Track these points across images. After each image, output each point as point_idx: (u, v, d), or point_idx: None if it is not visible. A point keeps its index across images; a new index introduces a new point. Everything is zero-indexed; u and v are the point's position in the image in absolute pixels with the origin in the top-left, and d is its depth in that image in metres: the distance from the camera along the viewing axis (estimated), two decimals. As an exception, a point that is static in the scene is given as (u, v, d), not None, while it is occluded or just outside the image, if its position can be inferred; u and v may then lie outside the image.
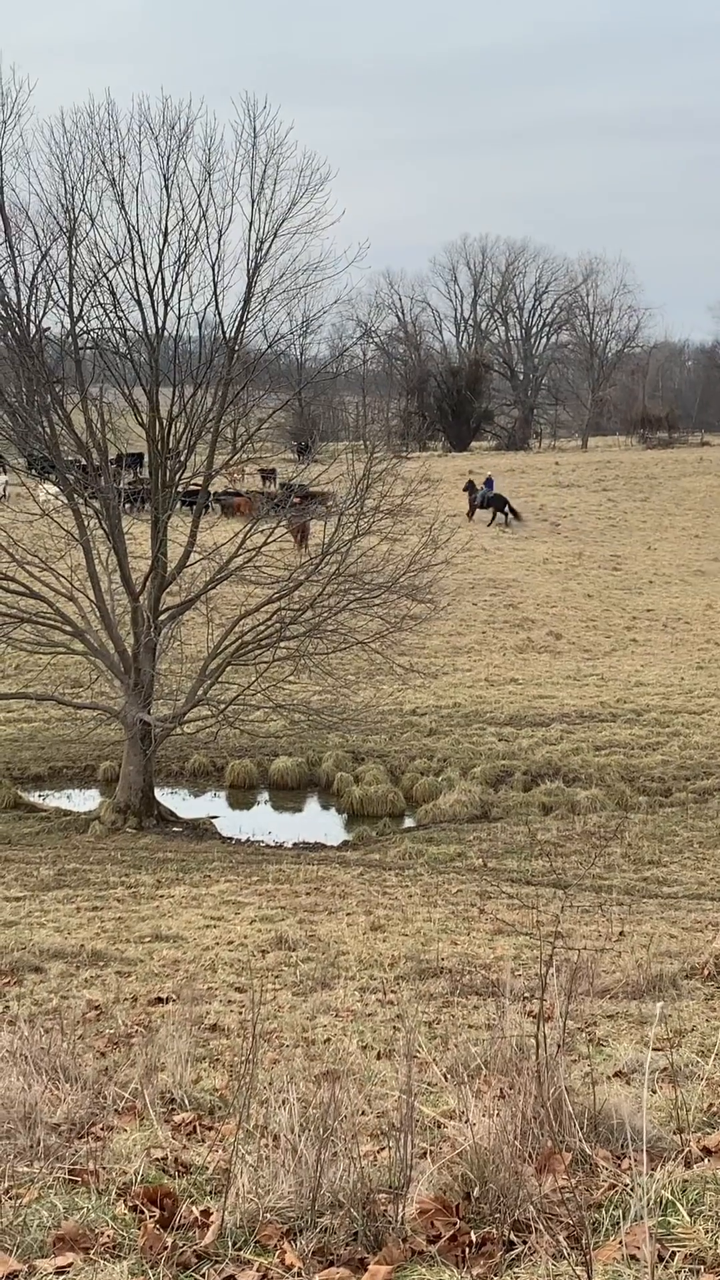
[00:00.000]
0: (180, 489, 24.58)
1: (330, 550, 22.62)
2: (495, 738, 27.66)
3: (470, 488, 55.14)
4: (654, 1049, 6.74)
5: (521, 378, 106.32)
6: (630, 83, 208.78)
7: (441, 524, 24.27)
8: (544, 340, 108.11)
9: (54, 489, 25.19)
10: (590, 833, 21.93)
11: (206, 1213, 3.85)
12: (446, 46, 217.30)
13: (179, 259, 22.66)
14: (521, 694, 30.79)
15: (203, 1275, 3.53)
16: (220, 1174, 4.25)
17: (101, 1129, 4.95)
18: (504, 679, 32.22)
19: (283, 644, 23.14)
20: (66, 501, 23.41)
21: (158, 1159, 4.47)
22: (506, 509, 53.57)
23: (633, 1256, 3.31)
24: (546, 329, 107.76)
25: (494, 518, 53.30)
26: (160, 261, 22.58)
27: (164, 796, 25.03)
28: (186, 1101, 5.91)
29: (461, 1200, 3.78)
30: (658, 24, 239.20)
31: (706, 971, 10.35)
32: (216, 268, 22.75)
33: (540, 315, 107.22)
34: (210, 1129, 5.34)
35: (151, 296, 22.72)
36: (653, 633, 37.16)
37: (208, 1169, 4.41)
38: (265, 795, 26.60)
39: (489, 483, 55.83)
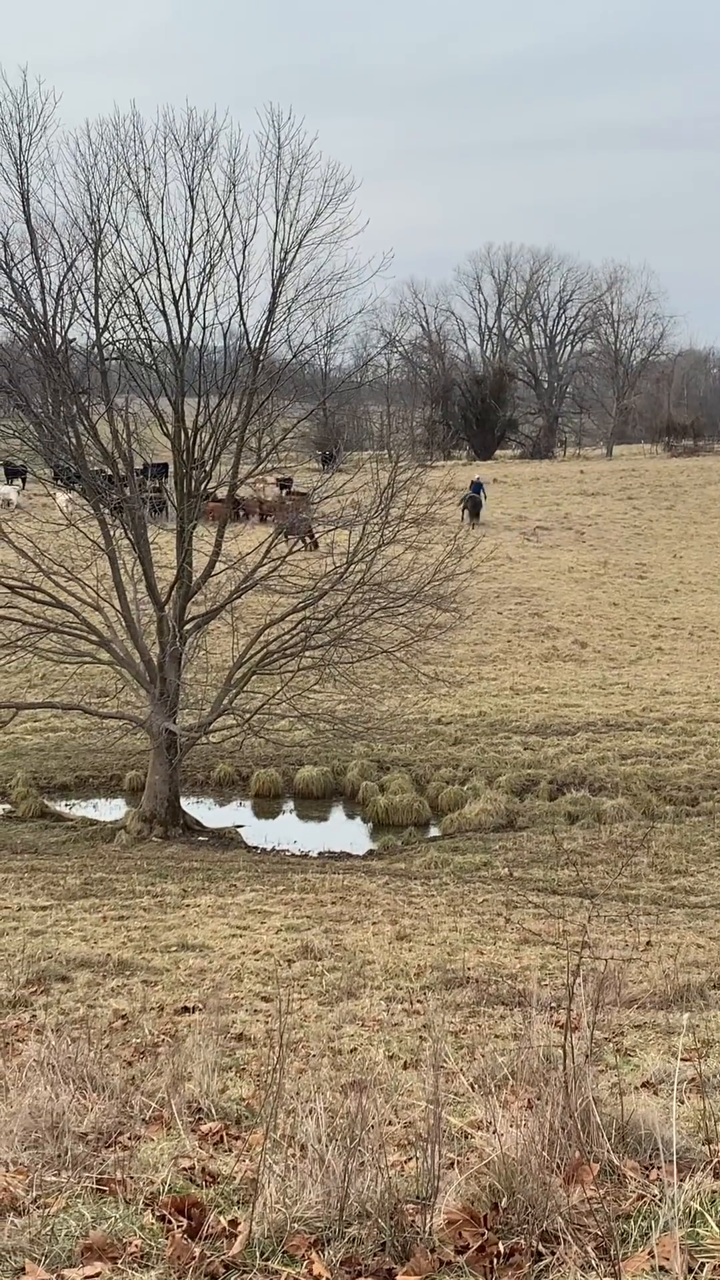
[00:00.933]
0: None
1: (355, 559, 22.63)
2: (521, 747, 27.60)
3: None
4: (682, 1059, 6.71)
5: (546, 386, 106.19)
6: (656, 91, 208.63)
7: (466, 532, 24.25)
8: (568, 348, 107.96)
9: (67, 496, 25.27)
10: (616, 842, 21.85)
11: (234, 1222, 3.85)
12: (472, 55, 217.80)
13: (204, 270, 22.78)
14: (547, 703, 30.72)
15: (230, 1285, 3.52)
16: (248, 1184, 4.26)
17: (129, 1138, 4.96)
18: (529, 688, 32.15)
19: (308, 653, 23.17)
20: (91, 511, 23.49)
21: (185, 1168, 4.47)
22: (477, 510, 52.85)
23: (662, 1268, 3.30)
24: (571, 337, 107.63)
25: (471, 522, 52.42)
26: (185, 272, 22.70)
27: (189, 806, 25.06)
28: (213, 1111, 5.91)
29: (489, 1211, 3.77)
30: (683, 32, 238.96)
31: (734, 981, 10.29)
32: (241, 278, 22.86)
33: (564, 323, 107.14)
34: (237, 1139, 5.34)
35: (177, 307, 22.84)
36: (679, 641, 37.02)
37: (235, 1179, 4.42)
38: (290, 804, 26.60)
39: (476, 486, 55.06)
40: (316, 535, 31.70)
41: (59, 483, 27.43)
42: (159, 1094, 5.72)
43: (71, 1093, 5.26)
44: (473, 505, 52.39)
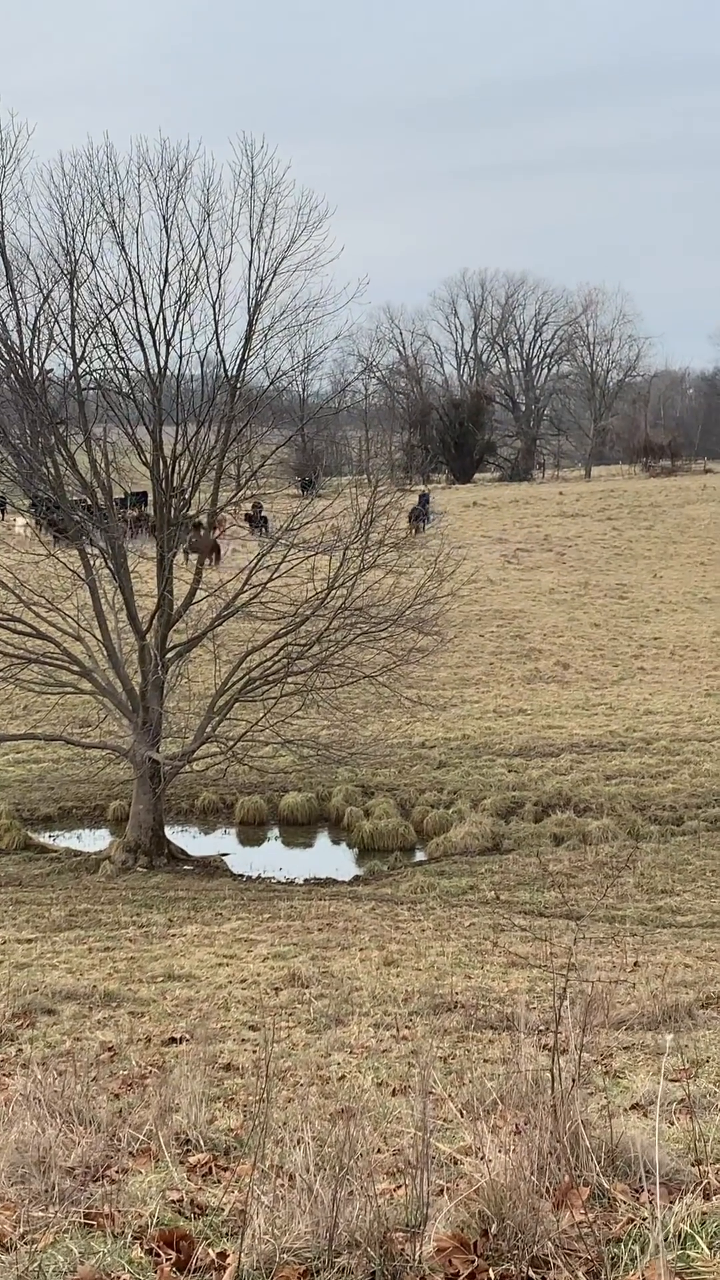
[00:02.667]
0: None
1: (336, 584, 22.66)
2: (505, 769, 27.61)
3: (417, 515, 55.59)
4: (671, 1080, 6.70)
5: (523, 409, 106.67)
6: (627, 113, 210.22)
7: (446, 556, 24.31)
8: (545, 371, 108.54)
9: (25, 520, 25.23)
10: (602, 863, 21.86)
11: (223, 1255, 3.82)
12: (444, 82, 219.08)
13: (180, 299, 22.84)
14: (530, 724, 30.75)
15: (220, 1318, 3.50)
16: (236, 1215, 4.23)
17: (116, 1171, 4.92)
18: (512, 710, 32.17)
19: (290, 679, 23.16)
20: (55, 535, 23.46)
21: (173, 1201, 4.44)
22: (422, 520, 53.93)
23: (653, 1291, 3.29)
24: (547, 360, 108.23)
25: (415, 528, 53.18)
26: (161, 302, 22.75)
27: (174, 835, 24.98)
28: (201, 1142, 5.87)
29: (479, 1237, 3.75)
30: (653, 56, 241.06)
31: (722, 1001, 10.29)
32: (217, 306, 22.92)
33: (541, 346, 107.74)
34: (226, 1170, 5.31)
35: (153, 336, 22.88)
36: (660, 661, 37.11)
37: (224, 1210, 4.38)
38: (275, 831, 26.54)
39: (424, 498, 57.06)
40: (224, 552, 31.80)
41: (33, 511, 27.39)
42: (146, 1126, 5.68)
43: (58, 1127, 5.22)
44: (419, 514, 53.55)
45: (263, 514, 35.20)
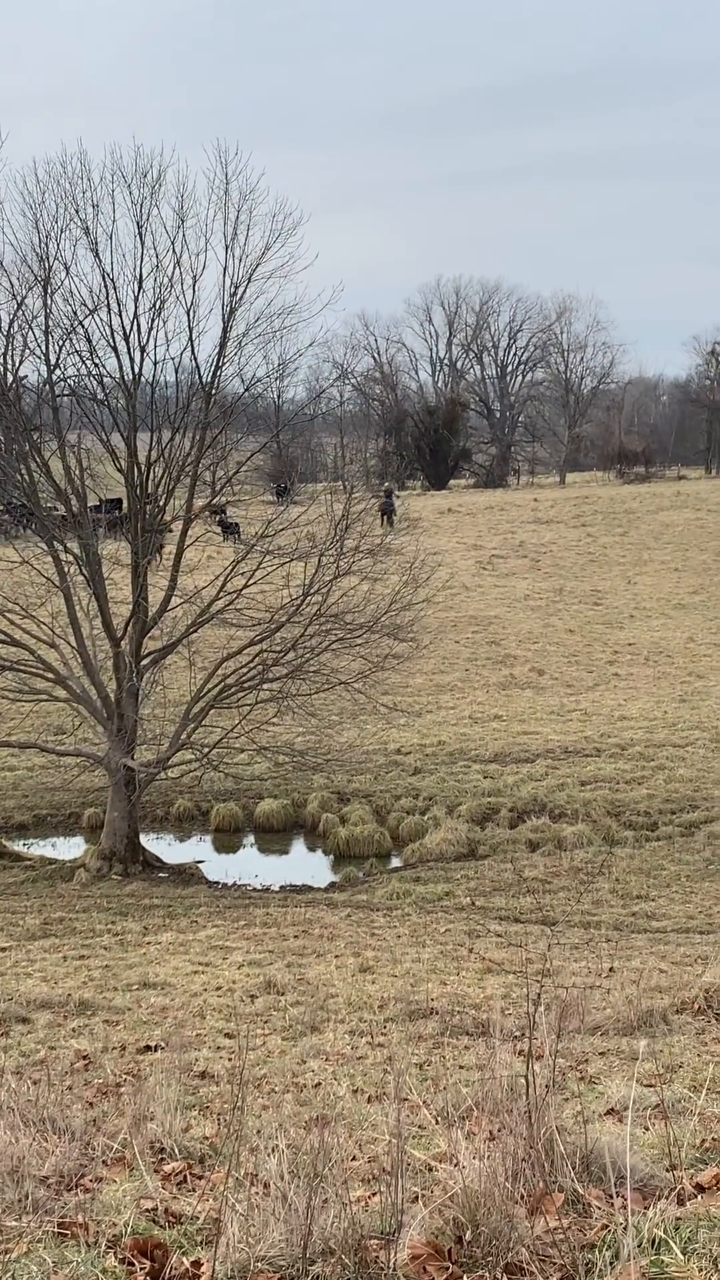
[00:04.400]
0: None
1: (311, 591, 22.65)
2: (480, 775, 27.63)
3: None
4: (645, 1085, 6.71)
5: (498, 416, 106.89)
6: (600, 121, 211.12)
7: (422, 562, 24.34)
8: (520, 378, 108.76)
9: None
10: (577, 868, 21.90)
11: (197, 1264, 3.81)
12: (418, 90, 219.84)
13: (154, 305, 22.81)
14: (506, 730, 30.79)
15: (194, 1328, 3.49)
16: (211, 1223, 4.22)
17: (91, 1180, 4.90)
18: (488, 716, 32.22)
19: (265, 686, 23.13)
20: (45, 548, 23.41)
21: (148, 1209, 4.43)
22: (390, 514, 54.63)
23: (627, 1297, 3.29)
24: (522, 367, 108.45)
25: (384, 519, 53.93)
26: (136, 308, 22.72)
27: (149, 842, 24.92)
28: (176, 1150, 5.86)
29: (454, 1244, 3.75)
30: (627, 64, 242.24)
31: (697, 1006, 10.32)
32: (192, 313, 22.90)
33: (515, 353, 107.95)
34: (200, 1178, 5.30)
35: (128, 343, 22.84)
36: (635, 666, 37.23)
37: (198, 1219, 4.37)
38: (251, 838, 26.50)
39: (390, 493, 59.27)
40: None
41: (6, 519, 27.30)
42: (121, 1135, 5.66)
43: (32, 1136, 5.19)
44: (387, 508, 54.09)
45: (232, 520, 35.14)
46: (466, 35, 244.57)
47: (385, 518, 53.94)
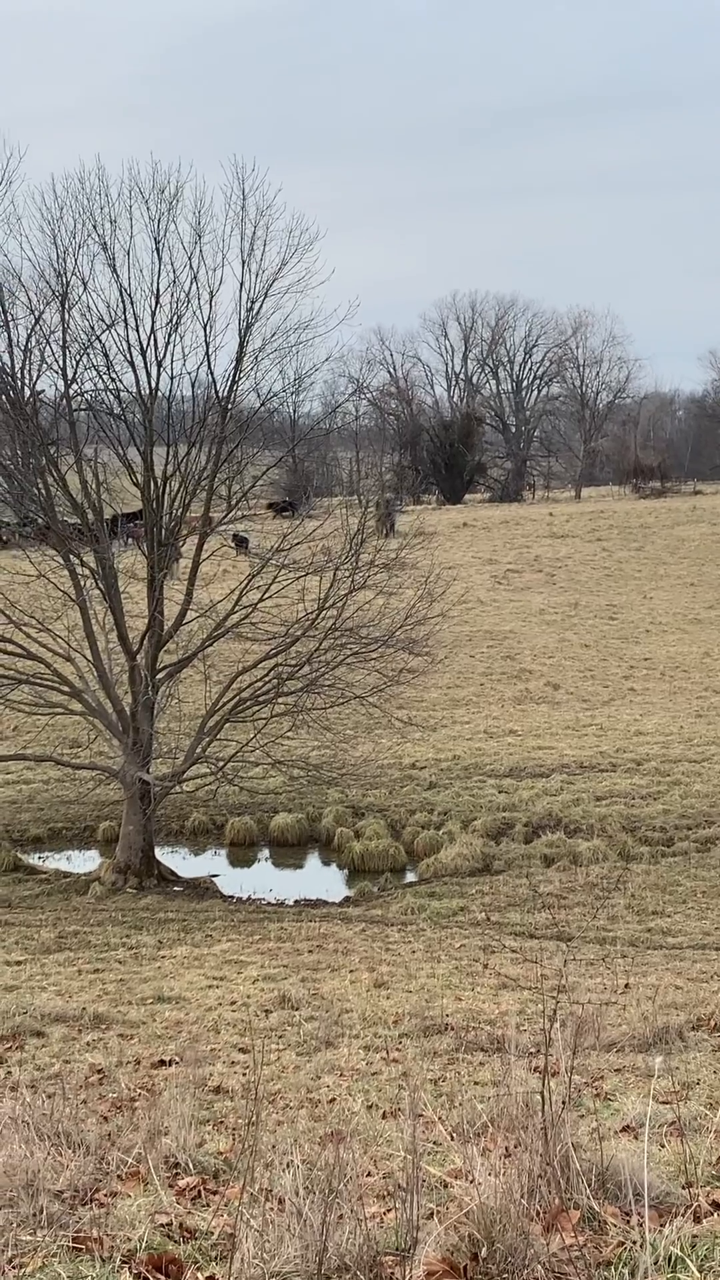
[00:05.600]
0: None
1: (326, 605, 22.66)
2: (495, 790, 27.58)
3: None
4: (661, 1102, 6.69)
5: (513, 430, 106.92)
6: (617, 136, 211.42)
7: (437, 577, 24.33)
8: (535, 393, 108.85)
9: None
10: (593, 884, 21.82)
11: (212, 1279, 3.80)
12: (436, 106, 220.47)
13: (171, 320, 22.91)
14: (521, 745, 30.74)
15: (209, 1343, 3.48)
16: (225, 1239, 4.21)
17: (105, 1195, 4.90)
18: (503, 730, 32.17)
19: (280, 700, 23.14)
20: (62, 562, 23.48)
21: (162, 1225, 4.42)
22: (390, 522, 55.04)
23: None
24: (537, 382, 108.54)
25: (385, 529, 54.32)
26: (153, 323, 22.82)
27: (164, 856, 24.92)
28: (190, 1165, 5.84)
29: (469, 1261, 3.74)
30: (643, 82, 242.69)
31: (713, 1023, 10.28)
32: (208, 328, 22.99)
33: (531, 368, 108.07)
34: (215, 1193, 5.28)
35: (144, 358, 22.94)
36: (651, 681, 37.15)
37: (213, 1234, 4.36)
38: (266, 852, 26.48)
39: (389, 503, 60.29)
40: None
41: (27, 533, 27.39)
42: (135, 1149, 5.65)
43: (47, 1150, 5.19)
44: (387, 516, 54.41)
45: (243, 534, 35.27)
46: (483, 52, 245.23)
47: (384, 525, 54.40)
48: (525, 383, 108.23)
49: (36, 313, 23.20)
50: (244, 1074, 9.48)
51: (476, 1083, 8.67)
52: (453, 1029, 10.99)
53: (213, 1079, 9.29)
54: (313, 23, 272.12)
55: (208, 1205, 5.01)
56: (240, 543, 35.83)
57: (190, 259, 22.73)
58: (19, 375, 23.63)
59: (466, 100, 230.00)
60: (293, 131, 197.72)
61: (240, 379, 23.63)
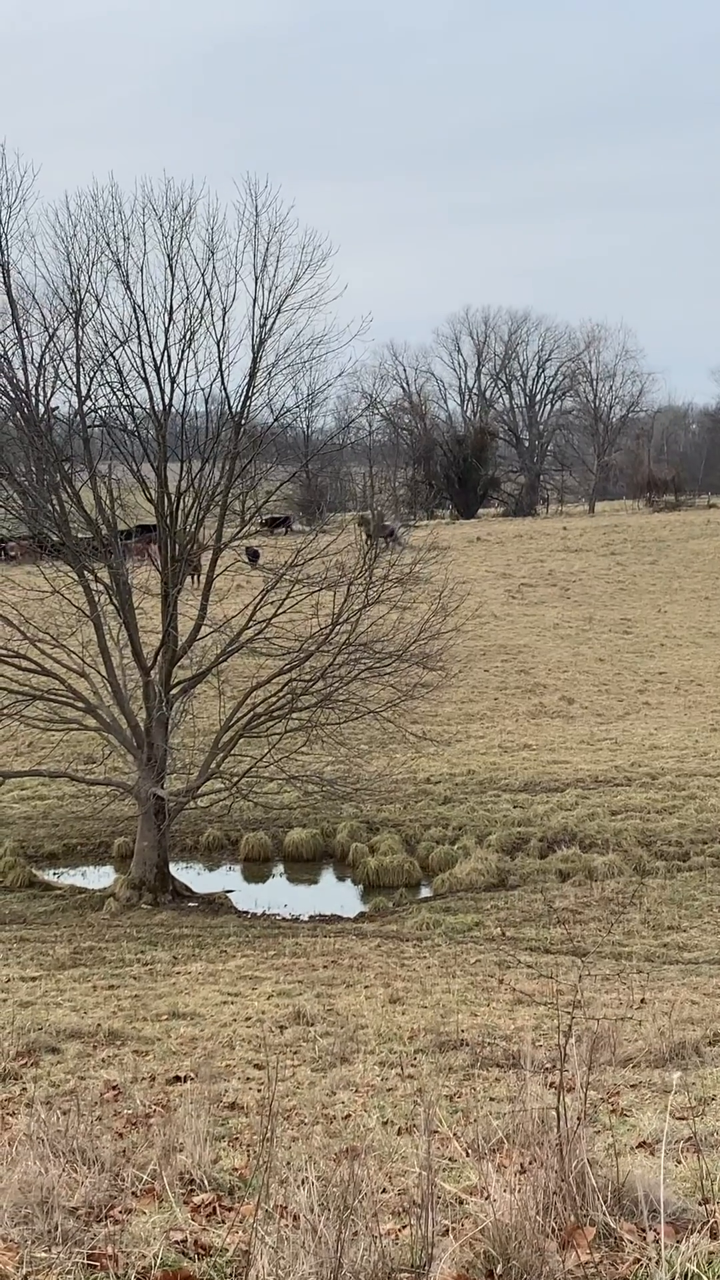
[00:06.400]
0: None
1: (340, 620, 22.67)
2: (510, 805, 27.53)
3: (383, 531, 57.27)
4: (678, 1118, 6.66)
5: (527, 444, 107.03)
6: (629, 151, 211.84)
7: (451, 591, 24.33)
8: (548, 407, 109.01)
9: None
10: (608, 899, 21.76)
11: (227, 1296, 3.79)
12: (448, 121, 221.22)
13: (184, 337, 22.97)
14: (535, 760, 30.68)
15: None
16: (240, 1256, 4.20)
17: (120, 1211, 4.89)
18: (518, 745, 32.12)
19: (295, 715, 23.13)
20: (76, 578, 23.53)
21: (177, 1241, 4.41)
22: (390, 536, 54.64)
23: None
24: (550, 396, 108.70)
25: (387, 545, 54.04)
26: (166, 340, 22.89)
27: (179, 871, 24.91)
28: (205, 1182, 5.84)
29: (484, 1278, 3.73)
30: (655, 94, 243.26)
31: (729, 1038, 10.23)
32: (222, 344, 23.05)
33: (544, 383, 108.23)
34: (230, 1210, 5.27)
35: (158, 374, 23.00)
36: (665, 695, 37.07)
37: (228, 1251, 4.36)
38: (280, 868, 26.46)
39: (390, 530, 59.99)
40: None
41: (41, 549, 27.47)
42: (150, 1166, 5.65)
43: (62, 1166, 5.19)
44: (387, 533, 54.41)
45: (254, 547, 35.37)
46: (494, 66, 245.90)
47: (387, 541, 54.38)
48: (538, 397, 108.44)
49: (51, 330, 23.32)
50: (259, 1090, 9.47)
51: (492, 1099, 8.65)
52: (468, 1045, 10.96)
53: (228, 1095, 9.27)
54: (323, 39, 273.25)
55: (223, 1222, 5.00)
56: (253, 556, 35.95)
57: (203, 275, 22.84)
58: (34, 392, 23.74)
59: (478, 115, 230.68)
60: (304, 147, 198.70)
61: (253, 394, 23.71)
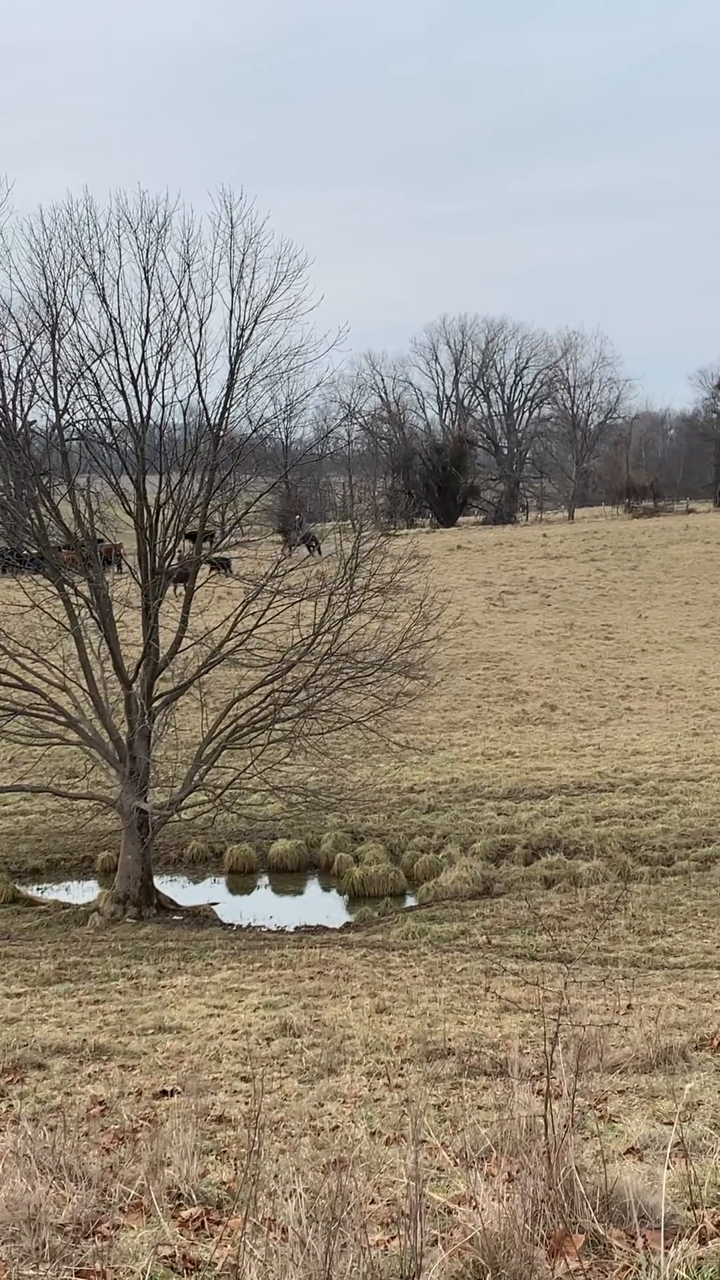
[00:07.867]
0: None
1: (322, 630, 22.66)
2: (494, 812, 27.53)
3: None
4: (666, 1123, 6.66)
5: (506, 452, 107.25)
6: (604, 159, 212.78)
7: (432, 600, 24.35)
8: (526, 415, 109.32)
9: None
10: (593, 905, 21.77)
11: (216, 1311, 3.78)
12: (425, 132, 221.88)
13: (161, 349, 22.93)
14: (519, 767, 30.70)
15: None
16: (229, 1270, 4.19)
17: (108, 1227, 4.87)
18: (501, 752, 32.14)
19: (277, 726, 23.10)
20: (56, 592, 23.47)
21: (165, 1256, 4.40)
22: (311, 542, 54.92)
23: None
24: (528, 403, 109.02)
25: (310, 552, 54.50)
26: (143, 352, 22.85)
27: (163, 885, 24.84)
28: (193, 1196, 5.81)
29: (474, 1288, 3.72)
30: (630, 104, 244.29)
31: (717, 1042, 10.24)
32: (199, 356, 23.02)
33: (521, 390, 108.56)
34: (218, 1223, 5.25)
35: (135, 386, 22.96)
36: (647, 701, 37.15)
37: (216, 1265, 4.34)
38: (265, 879, 26.41)
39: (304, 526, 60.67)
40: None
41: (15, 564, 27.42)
42: (138, 1181, 5.62)
43: (49, 1183, 5.17)
44: (308, 541, 54.38)
45: (224, 557, 35.26)
46: (471, 77, 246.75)
47: (309, 547, 54.27)
48: (516, 405, 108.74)
49: (27, 344, 23.27)
50: (246, 1103, 9.44)
51: (480, 1107, 8.64)
52: (455, 1053, 10.94)
53: (215, 1108, 9.24)
54: (302, 49, 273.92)
55: (211, 1236, 4.98)
56: (221, 565, 35.91)
57: (179, 287, 22.80)
58: (10, 407, 23.69)
59: (453, 125, 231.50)
60: (283, 158, 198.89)
61: (231, 406, 23.70)
